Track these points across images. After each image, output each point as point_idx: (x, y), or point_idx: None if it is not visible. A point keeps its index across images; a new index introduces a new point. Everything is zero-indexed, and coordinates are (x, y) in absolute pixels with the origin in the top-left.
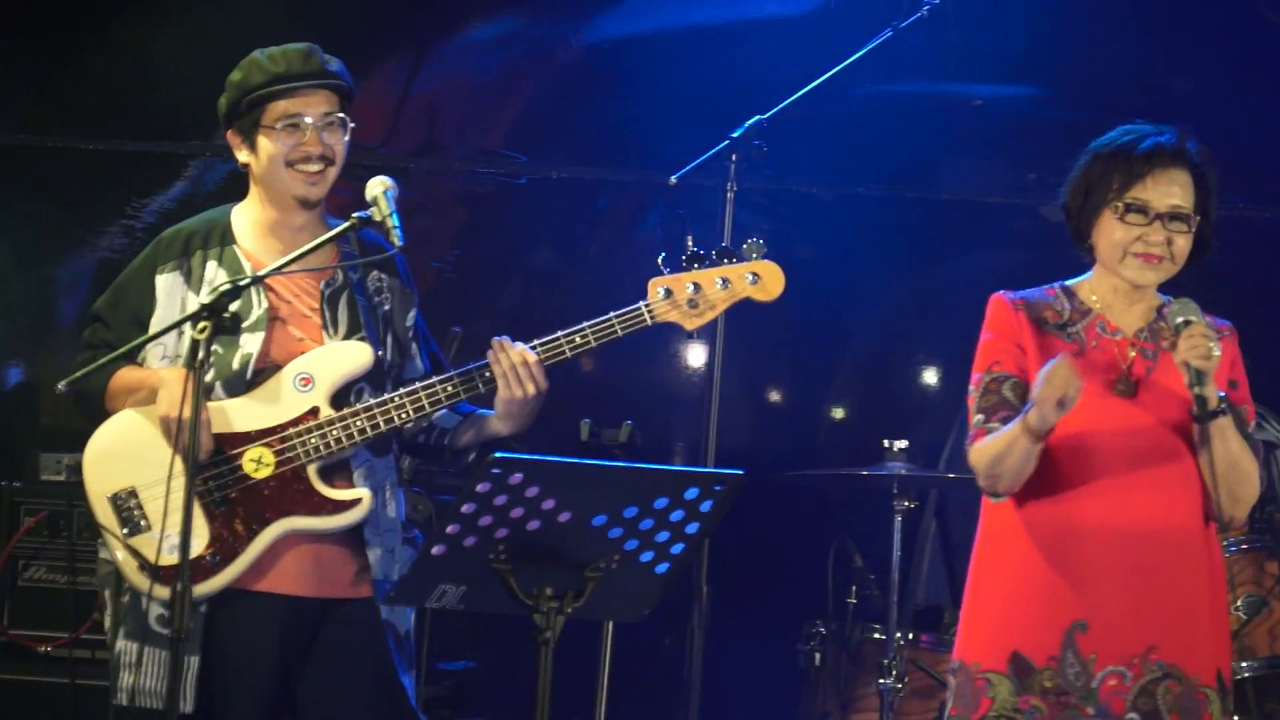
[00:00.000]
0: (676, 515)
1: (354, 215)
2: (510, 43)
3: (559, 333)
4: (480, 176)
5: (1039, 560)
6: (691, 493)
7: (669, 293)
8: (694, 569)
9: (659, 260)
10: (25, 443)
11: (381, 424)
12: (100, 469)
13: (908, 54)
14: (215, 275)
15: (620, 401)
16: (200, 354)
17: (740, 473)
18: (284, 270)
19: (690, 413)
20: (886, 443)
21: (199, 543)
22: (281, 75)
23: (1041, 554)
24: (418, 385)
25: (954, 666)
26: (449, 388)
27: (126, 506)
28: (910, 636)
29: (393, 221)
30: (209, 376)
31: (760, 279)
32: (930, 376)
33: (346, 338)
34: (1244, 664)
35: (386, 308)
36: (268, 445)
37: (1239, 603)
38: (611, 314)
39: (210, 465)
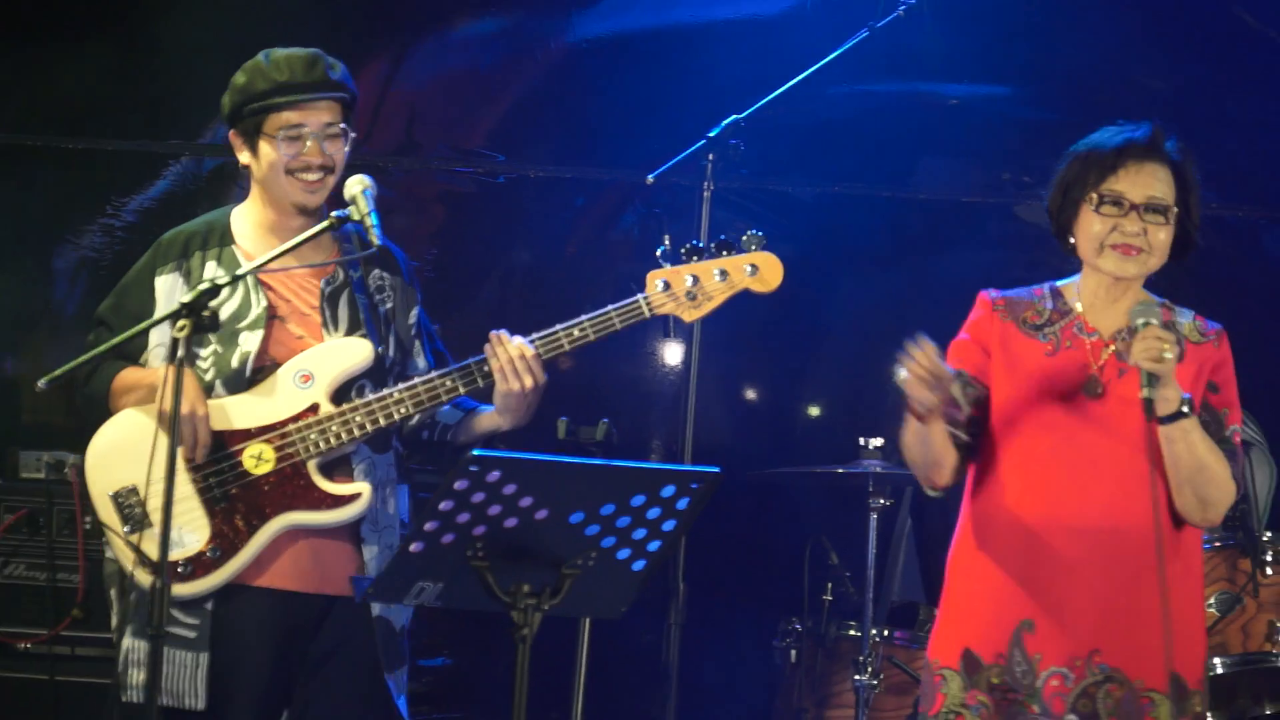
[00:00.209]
0: (653, 513)
1: (333, 214)
2: (489, 43)
3: (557, 326)
4: (459, 176)
5: (997, 559)
6: (668, 490)
7: (667, 285)
8: (671, 566)
9: (658, 254)
10: (4, 440)
11: (381, 419)
12: (102, 468)
13: (884, 54)
14: (215, 275)
15: (597, 400)
16: (180, 352)
17: (717, 470)
18: (263, 269)
19: (667, 411)
20: (862, 441)
21: (200, 538)
22: (285, 85)
23: (1000, 553)
24: (417, 380)
25: (923, 664)
26: (448, 382)
27: (128, 504)
28: (885, 633)
29: (371, 220)
30: (209, 375)
31: (759, 270)
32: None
33: (347, 335)
34: (1217, 660)
35: (388, 305)
36: (268, 441)
37: (1212, 600)
38: (610, 307)
39: (211, 462)
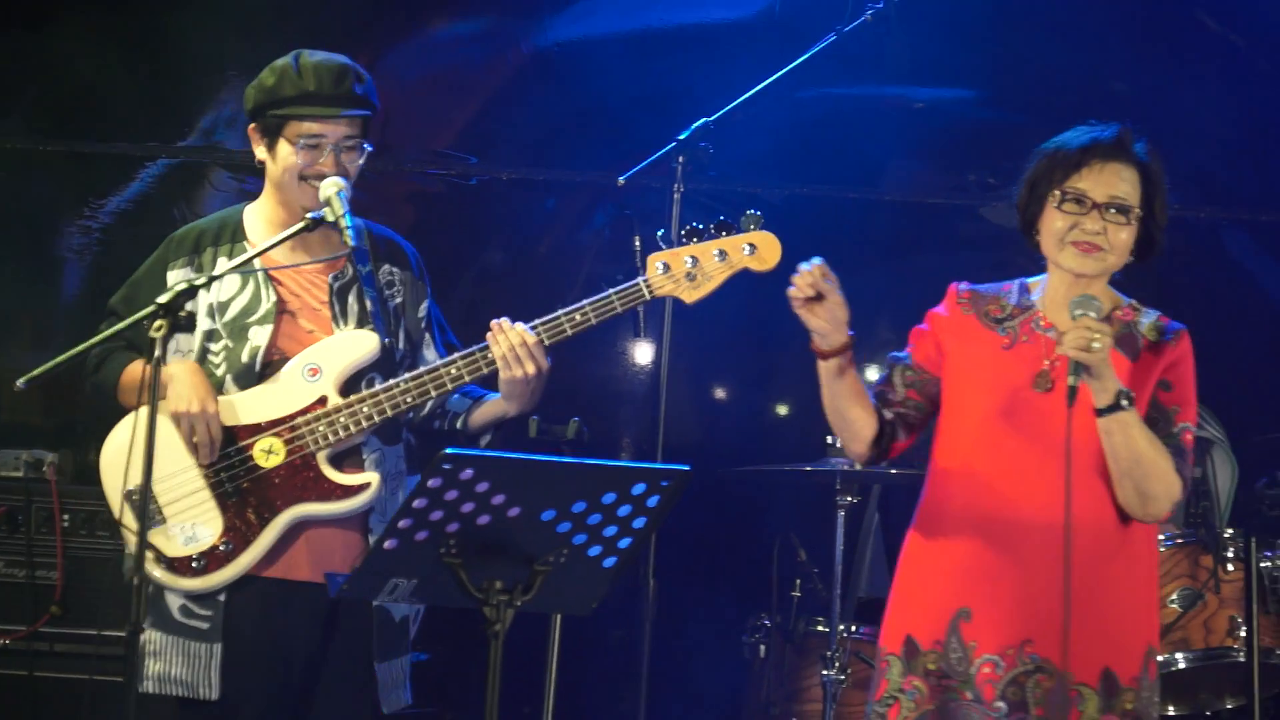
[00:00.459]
0: (624, 510)
1: (307, 215)
2: (461, 46)
3: (559, 311)
4: (431, 178)
5: (942, 548)
6: (639, 488)
7: (666, 267)
8: (641, 563)
9: (658, 236)
10: None
11: (389, 410)
12: (115, 466)
13: (851, 58)
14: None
15: (568, 398)
16: (157, 352)
17: (687, 468)
18: (239, 269)
19: (638, 410)
20: (830, 439)
21: (213, 533)
22: (311, 95)
23: (946, 542)
24: (422, 370)
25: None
26: (452, 371)
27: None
28: (853, 629)
29: (345, 222)
30: (220, 370)
31: (757, 249)
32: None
33: (356, 329)
34: (1179, 656)
35: (398, 300)
36: (278, 435)
37: (1174, 596)
38: (610, 290)
39: (222, 456)
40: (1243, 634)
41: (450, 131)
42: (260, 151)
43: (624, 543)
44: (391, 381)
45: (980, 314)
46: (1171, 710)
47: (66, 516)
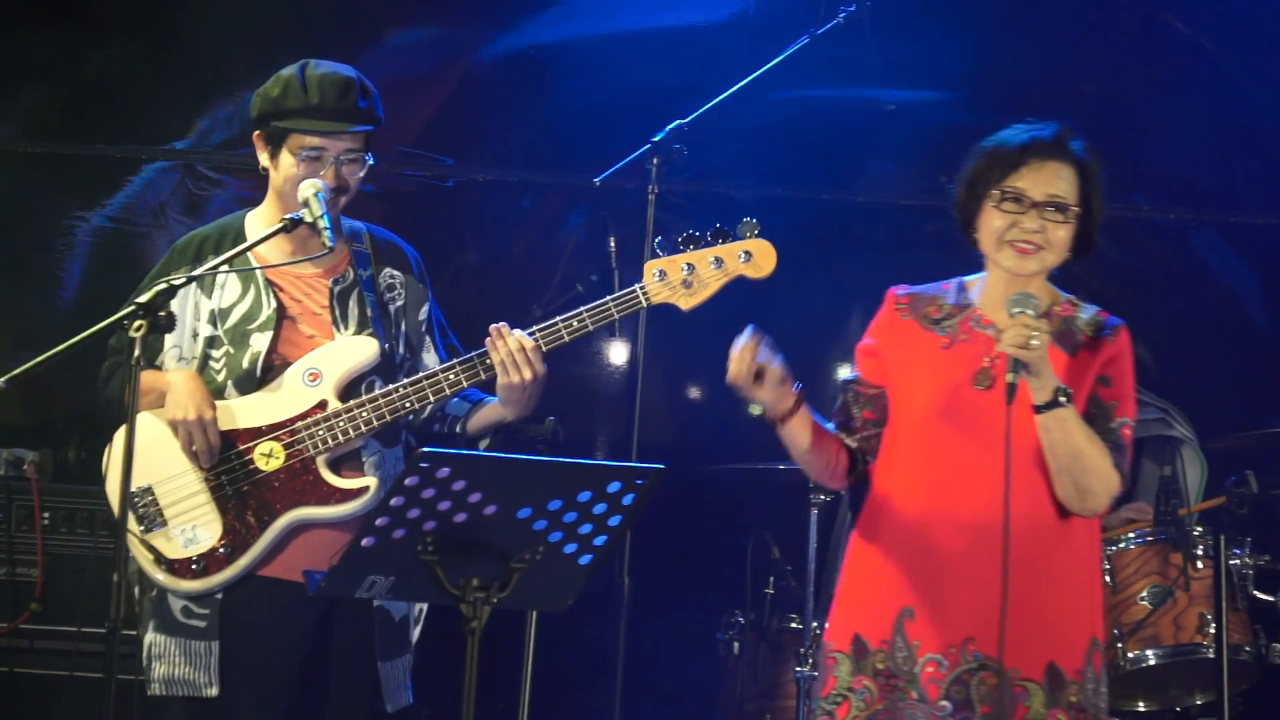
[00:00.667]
0: (599, 508)
1: (285, 217)
2: (438, 49)
3: (557, 318)
4: (408, 179)
5: (885, 547)
6: (614, 486)
7: (663, 274)
8: (616, 560)
9: (655, 243)
10: None
11: (387, 414)
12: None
13: (824, 60)
14: (226, 278)
15: (544, 397)
16: (136, 351)
17: (661, 467)
18: (215, 270)
19: (613, 409)
20: None
21: (212, 535)
22: (315, 109)
23: (889, 541)
24: (421, 375)
25: (821, 646)
26: (450, 376)
27: (143, 504)
28: (826, 626)
29: (323, 223)
30: (221, 376)
31: (753, 256)
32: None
33: (357, 334)
34: (1149, 652)
35: (399, 303)
36: (278, 439)
37: (1144, 593)
38: (608, 297)
39: (223, 460)
40: (1212, 630)
41: (427, 133)
42: (264, 159)
43: (599, 540)
44: (391, 386)
45: (919, 317)
46: (1142, 706)
47: (46, 514)
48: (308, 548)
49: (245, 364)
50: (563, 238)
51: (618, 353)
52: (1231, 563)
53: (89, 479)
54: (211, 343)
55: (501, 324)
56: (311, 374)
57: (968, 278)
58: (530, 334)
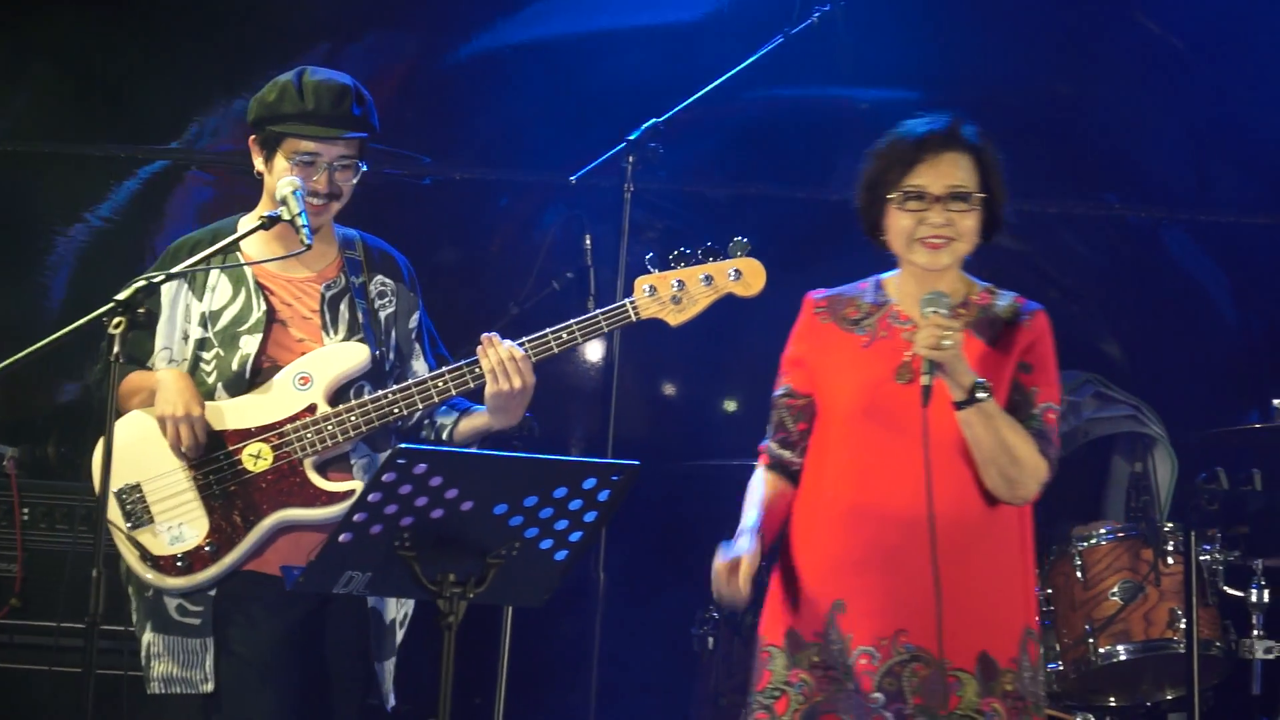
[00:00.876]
0: (575, 504)
1: (263, 215)
2: (414, 47)
3: (547, 330)
4: (385, 177)
5: (816, 542)
6: (589, 482)
7: (653, 290)
8: (591, 556)
9: (646, 259)
10: None
11: (375, 419)
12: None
13: (798, 59)
14: (217, 281)
15: None
16: (115, 348)
17: (636, 463)
18: (195, 269)
19: (589, 405)
20: None
21: (198, 533)
22: (309, 115)
23: (819, 536)
24: (410, 382)
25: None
26: (439, 384)
27: (130, 501)
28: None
29: (301, 221)
30: (211, 378)
31: (742, 275)
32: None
33: (346, 339)
34: (1120, 648)
35: (390, 311)
36: (266, 441)
37: (1115, 589)
38: (598, 311)
39: (211, 460)
40: (1182, 626)
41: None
42: (259, 163)
43: (575, 536)
44: (380, 392)
45: (838, 319)
46: (1113, 701)
47: (26, 510)
48: (296, 547)
49: (235, 366)
50: (539, 236)
51: (593, 350)
52: (1202, 558)
53: (68, 474)
54: (202, 345)
55: (492, 333)
56: (302, 378)
57: (884, 275)
58: (520, 345)
